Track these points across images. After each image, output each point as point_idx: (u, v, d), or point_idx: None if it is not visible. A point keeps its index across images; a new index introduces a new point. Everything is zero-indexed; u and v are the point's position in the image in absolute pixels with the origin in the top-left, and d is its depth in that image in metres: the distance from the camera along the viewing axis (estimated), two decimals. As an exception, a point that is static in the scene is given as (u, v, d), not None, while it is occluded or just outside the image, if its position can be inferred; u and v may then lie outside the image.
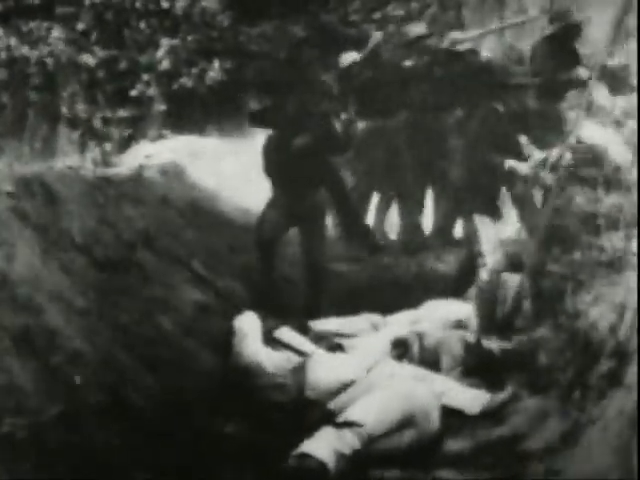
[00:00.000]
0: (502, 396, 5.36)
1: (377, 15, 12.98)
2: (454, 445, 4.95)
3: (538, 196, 8.31)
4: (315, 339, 6.36)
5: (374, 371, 5.56)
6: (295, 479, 4.57)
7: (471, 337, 6.18)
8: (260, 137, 11.26)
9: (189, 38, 12.14)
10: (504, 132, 6.94)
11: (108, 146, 10.87)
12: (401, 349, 6.06)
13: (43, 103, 11.53)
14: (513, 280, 6.82)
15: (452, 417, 5.20)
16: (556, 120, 7.93)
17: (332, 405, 5.28)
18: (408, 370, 5.66)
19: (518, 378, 5.50)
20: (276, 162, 7.35)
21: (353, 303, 7.14)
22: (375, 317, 6.76)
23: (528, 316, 6.52)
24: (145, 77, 11.92)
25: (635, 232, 5.45)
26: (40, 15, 11.89)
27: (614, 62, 8.32)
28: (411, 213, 9.07)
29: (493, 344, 6.11)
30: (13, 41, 11.47)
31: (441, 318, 6.53)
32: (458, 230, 9.21)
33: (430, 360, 5.98)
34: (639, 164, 6.13)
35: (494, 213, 6.65)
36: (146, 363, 5.57)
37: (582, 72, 8.29)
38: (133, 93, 11.95)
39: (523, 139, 6.95)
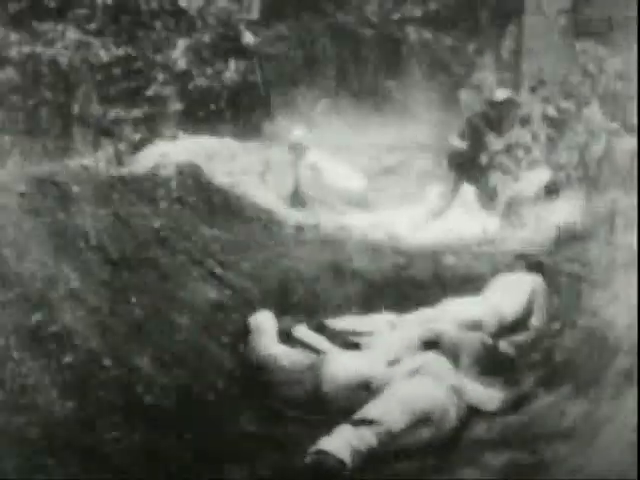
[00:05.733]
0: (518, 393, 5.35)
1: (396, 16, 12.97)
2: (470, 442, 4.95)
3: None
4: (331, 337, 6.35)
5: (391, 369, 5.55)
6: (312, 476, 4.57)
7: (488, 338, 6.16)
8: (273, 138, 11.32)
9: (205, 38, 12.16)
10: None
11: (122, 146, 10.87)
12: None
13: (57, 102, 11.55)
14: (529, 280, 6.82)
15: (469, 414, 5.19)
16: None
17: (349, 403, 5.27)
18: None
19: (534, 375, 5.49)
20: None
21: (369, 301, 7.13)
22: (391, 316, 6.74)
23: (544, 314, 6.53)
24: (161, 77, 11.94)
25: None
26: (55, 16, 11.91)
27: None
28: None
29: (509, 348, 6.10)
30: (27, 41, 11.50)
31: (458, 317, 6.51)
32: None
33: (448, 359, 5.96)
34: (639, 164, 6.11)
35: None
36: (161, 361, 5.57)
37: None
38: (149, 93, 11.97)
39: None
